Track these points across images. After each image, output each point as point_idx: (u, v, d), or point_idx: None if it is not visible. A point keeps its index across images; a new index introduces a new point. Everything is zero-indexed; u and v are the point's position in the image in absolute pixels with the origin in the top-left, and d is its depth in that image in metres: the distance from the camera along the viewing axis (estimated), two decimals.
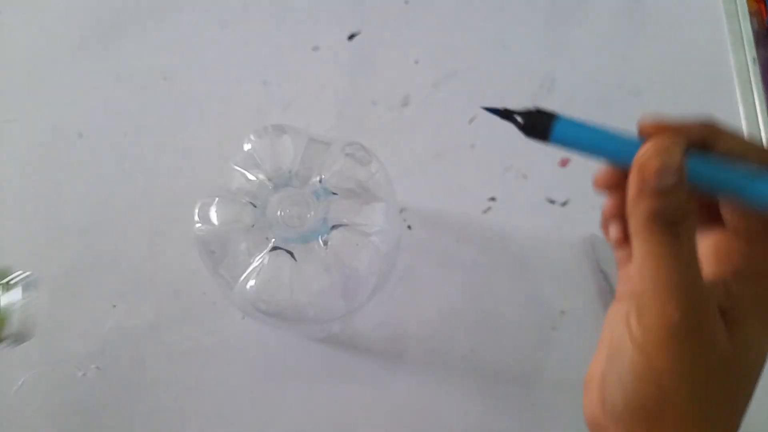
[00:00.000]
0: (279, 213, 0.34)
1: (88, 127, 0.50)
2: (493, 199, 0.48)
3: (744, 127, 0.50)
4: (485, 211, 0.48)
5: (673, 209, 0.22)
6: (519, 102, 0.50)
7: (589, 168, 0.50)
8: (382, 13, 0.52)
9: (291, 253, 0.34)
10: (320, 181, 0.35)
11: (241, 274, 0.34)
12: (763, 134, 0.50)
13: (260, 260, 0.33)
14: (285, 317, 0.35)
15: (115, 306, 0.45)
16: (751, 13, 0.54)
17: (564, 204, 0.48)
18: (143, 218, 0.47)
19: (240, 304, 0.35)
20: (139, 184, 0.48)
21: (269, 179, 0.35)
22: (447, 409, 0.43)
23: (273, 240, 0.34)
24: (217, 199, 0.34)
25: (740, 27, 0.53)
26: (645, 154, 0.23)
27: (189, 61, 0.51)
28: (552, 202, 0.48)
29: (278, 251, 0.34)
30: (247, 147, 0.36)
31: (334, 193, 0.35)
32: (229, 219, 0.34)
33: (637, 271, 0.23)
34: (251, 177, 0.35)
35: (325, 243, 0.34)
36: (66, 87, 0.51)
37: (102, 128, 0.50)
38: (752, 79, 0.52)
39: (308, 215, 0.34)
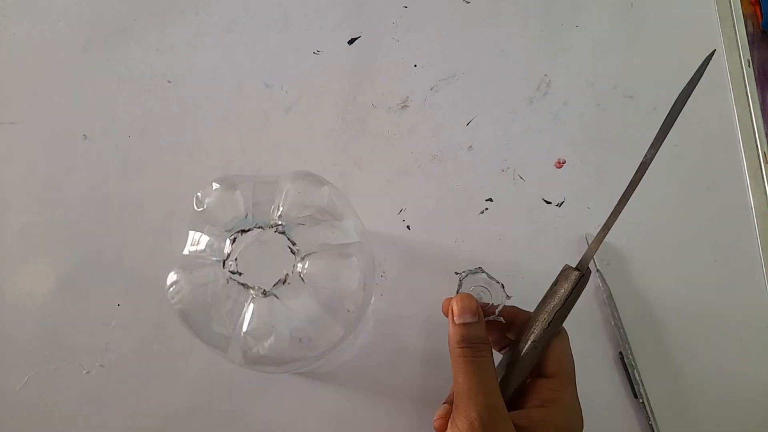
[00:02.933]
0: (247, 259, 0.34)
1: (92, 129, 0.51)
2: (490, 200, 0.48)
3: (738, 130, 0.50)
4: (482, 212, 0.48)
5: (473, 337, 0.35)
6: (516, 103, 0.51)
7: (584, 170, 0.51)
8: (382, 17, 0.53)
9: (274, 295, 0.33)
10: (279, 217, 0.35)
11: (232, 334, 0.33)
12: (757, 136, 0.50)
13: (245, 313, 0.33)
14: (289, 359, 0.35)
15: (119, 305, 0.46)
16: (745, 16, 0.54)
17: (560, 204, 0.48)
18: (147, 218, 0.48)
19: (242, 363, 0.34)
20: (143, 185, 0.49)
21: (228, 231, 0.34)
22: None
23: (252, 288, 0.33)
24: (181, 270, 0.33)
25: (735, 29, 0.53)
26: (455, 302, 0.36)
27: (192, 64, 0.52)
28: (548, 202, 0.48)
29: (261, 297, 0.33)
30: (198, 208, 0.35)
31: (301, 224, 0.35)
32: (201, 283, 0.33)
33: (454, 381, 0.34)
34: (208, 236, 0.35)
35: (302, 274, 0.34)
36: (71, 89, 0.52)
37: (106, 130, 0.51)
38: (746, 81, 0.52)
39: (278, 253, 0.34)
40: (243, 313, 0.33)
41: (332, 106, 0.51)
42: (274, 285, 0.34)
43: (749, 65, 0.52)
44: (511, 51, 0.52)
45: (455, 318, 0.35)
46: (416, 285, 0.46)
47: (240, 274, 0.34)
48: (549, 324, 0.35)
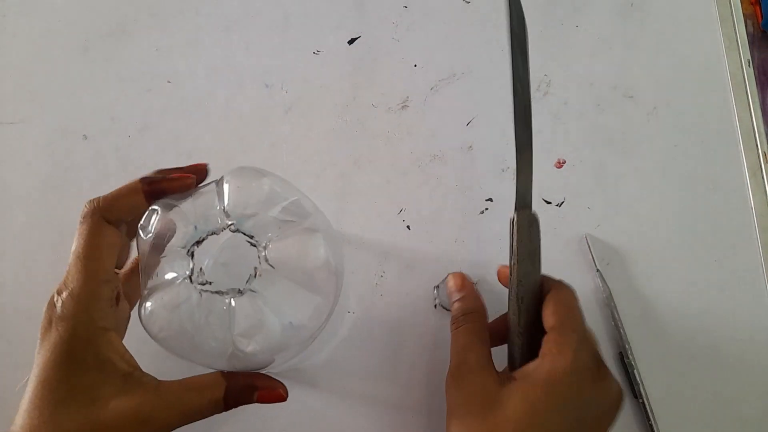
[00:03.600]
0: (214, 268, 0.34)
1: (92, 129, 0.51)
2: (490, 199, 0.48)
3: (738, 130, 0.50)
4: (482, 212, 0.48)
5: (461, 309, 0.39)
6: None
7: (584, 170, 0.51)
8: (382, 17, 0.53)
9: (251, 290, 0.33)
10: (227, 216, 0.35)
11: (225, 344, 0.33)
12: (757, 136, 0.50)
13: (230, 317, 0.33)
14: (285, 346, 0.35)
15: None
16: (745, 16, 0.54)
17: (560, 204, 0.48)
18: None
19: (236, 367, 0.34)
20: None
21: (183, 248, 0.34)
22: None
23: (226, 293, 0.33)
24: (150, 300, 0.33)
25: (735, 29, 0.53)
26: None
27: (192, 64, 0.52)
28: (548, 202, 0.48)
29: (239, 297, 0.33)
30: (146, 236, 0.34)
31: (252, 215, 0.35)
32: (174, 305, 0.33)
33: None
34: (163, 262, 0.34)
35: (269, 261, 0.34)
36: (71, 89, 0.52)
37: (107, 130, 0.51)
38: (747, 81, 0.52)
39: (241, 251, 0.34)
40: (228, 320, 0.33)
41: (332, 106, 0.51)
42: (246, 282, 0.34)
43: (749, 65, 0.52)
44: None
45: (452, 293, 0.41)
46: (416, 285, 0.46)
47: (210, 283, 0.34)
48: (514, 276, 0.36)
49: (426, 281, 0.46)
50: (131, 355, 0.34)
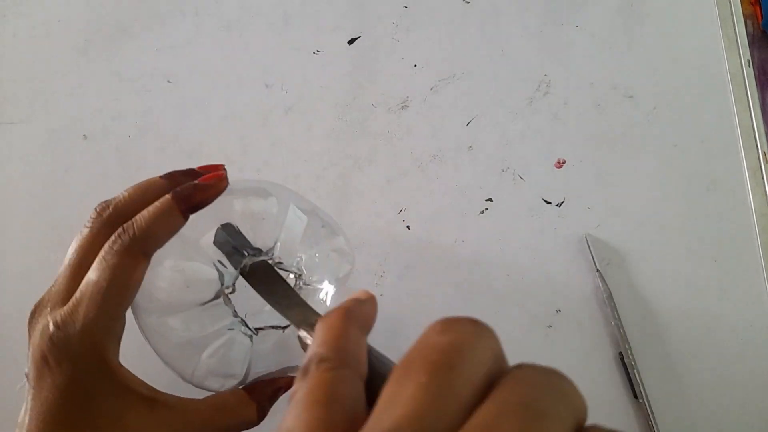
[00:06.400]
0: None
1: (92, 129, 0.51)
2: (489, 200, 0.48)
3: (738, 130, 0.50)
4: (482, 212, 0.48)
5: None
6: (516, 103, 0.51)
7: (584, 169, 0.51)
8: (382, 17, 0.53)
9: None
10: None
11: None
12: (757, 136, 0.50)
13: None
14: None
15: None
16: (745, 16, 0.54)
17: (560, 204, 0.48)
18: None
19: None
20: None
21: (203, 304, 0.32)
22: None
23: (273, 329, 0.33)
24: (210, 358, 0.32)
25: (735, 29, 0.53)
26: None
27: (192, 64, 0.52)
28: (548, 202, 0.48)
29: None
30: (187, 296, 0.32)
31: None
32: (216, 326, 0.32)
33: None
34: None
35: (300, 276, 0.33)
36: (70, 89, 0.52)
37: (106, 130, 0.51)
38: (746, 81, 0.52)
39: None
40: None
41: (332, 106, 0.51)
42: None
43: (749, 65, 0.52)
44: (511, 51, 0.52)
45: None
46: (416, 285, 0.46)
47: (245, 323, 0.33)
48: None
49: (426, 281, 0.46)
50: (148, 384, 0.32)
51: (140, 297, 0.31)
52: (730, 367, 0.45)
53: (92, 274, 0.30)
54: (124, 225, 0.31)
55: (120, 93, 0.51)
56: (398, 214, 0.48)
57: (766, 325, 0.46)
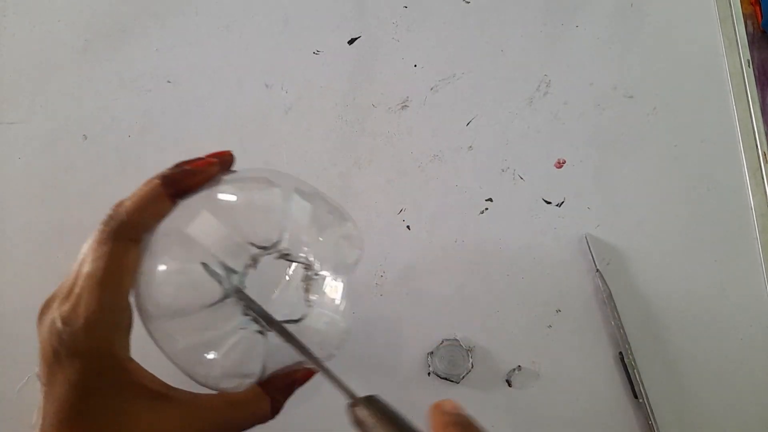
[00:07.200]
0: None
1: (92, 129, 0.51)
2: (490, 200, 0.48)
3: (738, 130, 0.50)
4: (482, 212, 0.48)
5: None
6: (516, 103, 0.51)
7: (584, 169, 0.51)
8: (382, 17, 0.53)
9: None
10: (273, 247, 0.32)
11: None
12: (757, 136, 0.50)
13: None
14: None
15: None
16: (745, 16, 0.54)
17: (559, 204, 0.48)
18: None
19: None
20: None
21: (210, 306, 0.31)
22: None
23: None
24: (223, 360, 0.31)
25: (734, 29, 0.53)
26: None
27: (192, 64, 0.52)
28: (548, 202, 0.48)
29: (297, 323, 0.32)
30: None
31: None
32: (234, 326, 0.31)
33: None
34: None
35: (309, 267, 0.33)
36: (71, 89, 0.52)
37: (106, 130, 0.51)
38: (746, 81, 0.52)
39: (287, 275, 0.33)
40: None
41: (332, 106, 0.51)
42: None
43: (749, 65, 0.52)
44: (511, 51, 0.52)
45: None
46: (416, 285, 0.46)
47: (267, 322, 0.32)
48: None
49: (426, 281, 0.46)
50: (160, 379, 0.31)
51: (147, 303, 0.31)
52: (730, 367, 0.45)
53: (86, 266, 0.29)
54: (111, 212, 0.30)
55: (120, 93, 0.51)
56: (398, 214, 0.48)
57: (766, 325, 0.46)
